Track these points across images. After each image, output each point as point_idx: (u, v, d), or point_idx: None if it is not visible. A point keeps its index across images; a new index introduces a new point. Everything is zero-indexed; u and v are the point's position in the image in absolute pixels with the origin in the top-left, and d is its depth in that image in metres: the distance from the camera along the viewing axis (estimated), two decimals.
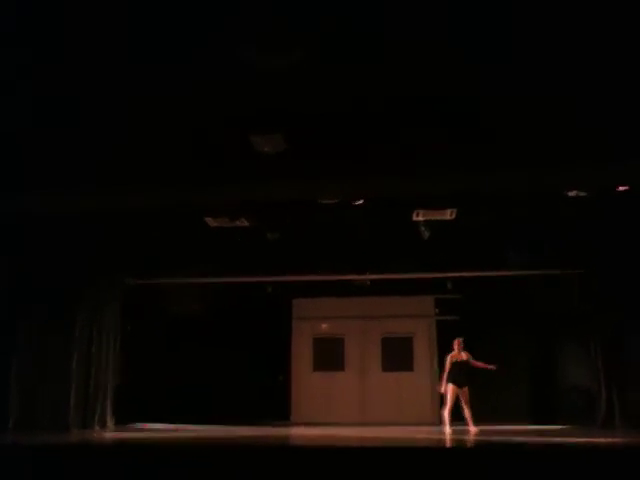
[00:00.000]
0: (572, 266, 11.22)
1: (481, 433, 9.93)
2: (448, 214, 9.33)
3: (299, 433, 11.11)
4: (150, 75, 6.04)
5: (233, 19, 5.27)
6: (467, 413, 10.39)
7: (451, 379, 10.40)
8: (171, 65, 5.87)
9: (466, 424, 10.40)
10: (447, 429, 10.25)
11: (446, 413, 10.42)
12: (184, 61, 5.79)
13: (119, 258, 11.27)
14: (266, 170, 7.48)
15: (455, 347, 10.61)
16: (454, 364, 10.48)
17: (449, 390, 10.38)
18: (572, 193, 8.35)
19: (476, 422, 10.40)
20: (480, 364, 10.45)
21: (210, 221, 9.68)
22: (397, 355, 13.91)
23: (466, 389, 10.38)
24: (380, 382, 13.81)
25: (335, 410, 13.47)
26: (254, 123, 6.82)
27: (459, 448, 8.49)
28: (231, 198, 8.59)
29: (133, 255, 11.20)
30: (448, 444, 8.91)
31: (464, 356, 10.52)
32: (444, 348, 11.20)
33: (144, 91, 6.28)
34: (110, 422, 11.73)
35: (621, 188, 8.14)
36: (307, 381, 13.95)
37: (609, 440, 8.63)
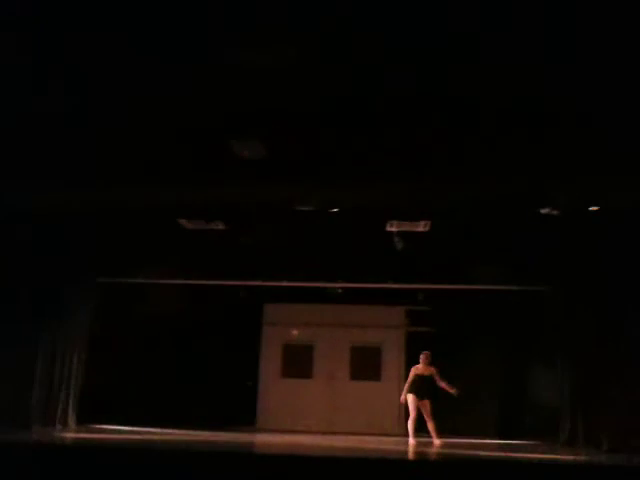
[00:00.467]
0: (542, 282, 11.34)
1: (444, 446, 9.95)
2: (421, 226, 9.37)
3: (263, 440, 11.03)
4: (130, 74, 6.03)
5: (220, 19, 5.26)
6: (430, 426, 10.39)
7: (412, 390, 10.43)
8: (152, 65, 5.87)
9: (430, 436, 10.41)
10: (411, 440, 10.24)
11: (410, 424, 10.42)
12: (167, 62, 5.79)
13: (90, 258, 11.18)
14: (243, 175, 7.50)
15: (421, 360, 10.62)
16: (417, 376, 10.50)
17: (410, 401, 10.40)
18: (545, 211, 8.44)
19: (443, 435, 10.41)
20: (443, 384, 10.43)
21: (185, 223, 9.63)
22: (366, 364, 13.89)
23: (427, 402, 10.37)
24: (348, 391, 13.77)
25: (302, 418, 13.41)
26: (233, 127, 6.82)
27: (418, 460, 8.51)
28: (207, 201, 8.60)
29: (104, 255, 11.11)
30: (409, 456, 8.91)
31: (429, 371, 10.51)
32: (413, 359, 11.20)
33: (124, 91, 6.26)
34: (72, 421, 11.61)
35: (592, 208, 8.24)
36: (275, 387, 13.88)
37: (562, 457, 8.73)
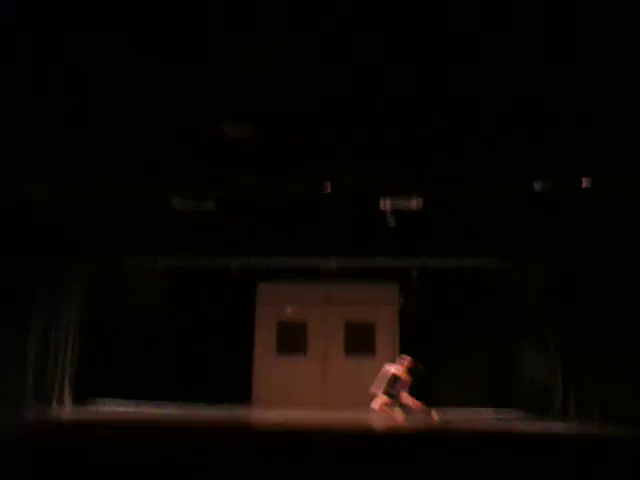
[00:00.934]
0: (535, 260, 11.46)
1: (439, 419, 10.13)
2: (414, 204, 9.41)
3: (259, 416, 11.20)
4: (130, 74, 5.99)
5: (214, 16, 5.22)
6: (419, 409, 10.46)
7: (386, 391, 10.38)
8: (152, 65, 5.84)
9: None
10: (399, 417, 10.31)
11: (384, 407, 10.37)
12: (167, 62, 5.76)
13: (81, 240, 11.14)
14: (236, 157, 7.48)
15: (404, 363, 10.59)
16: (394, 377, 10.44)
17: (380, 397, 10.43)
18: (537, 187, 8.47)
19: (435, 407, 10.55)
20: (404, 396, 10.34)
21: (177, 203, 9.60)
22: (360, 341, 14.05)
23: (403, 395, 10.39)
24: (342, 367, 13.93)
25: (297, 393, 13.56)
26: (228, 114, 6.79)
27: (412, 433, 8.82)
28: (199, 186, 8.60)
29: (96, 235, 11.05)
30: (402, 430, 9.23)
31: (406, 378, 10.43)
32: (406, 334, 11.32)
33: (124, 91, 6.23)
34: (68, 400, 11.72)
35: (584, 184, 8.30)
36: (270, 364, 14.00)
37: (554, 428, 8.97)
